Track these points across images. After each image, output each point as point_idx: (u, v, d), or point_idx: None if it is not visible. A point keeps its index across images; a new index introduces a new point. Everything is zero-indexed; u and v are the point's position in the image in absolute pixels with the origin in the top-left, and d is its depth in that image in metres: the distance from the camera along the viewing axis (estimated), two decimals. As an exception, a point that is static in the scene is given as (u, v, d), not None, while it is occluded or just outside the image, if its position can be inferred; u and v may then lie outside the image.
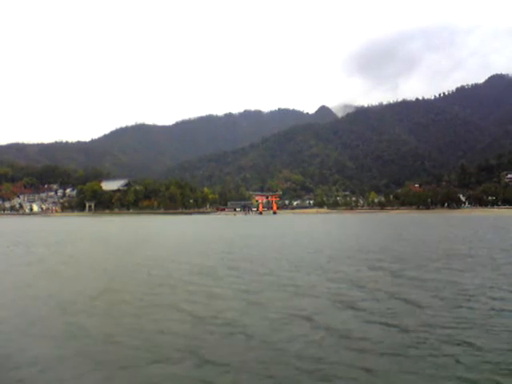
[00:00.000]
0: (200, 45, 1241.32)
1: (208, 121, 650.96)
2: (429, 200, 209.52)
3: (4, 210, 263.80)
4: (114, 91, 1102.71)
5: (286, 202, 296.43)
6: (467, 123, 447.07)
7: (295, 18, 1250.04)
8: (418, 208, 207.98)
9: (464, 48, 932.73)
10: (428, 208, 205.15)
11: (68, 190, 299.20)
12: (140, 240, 48.37)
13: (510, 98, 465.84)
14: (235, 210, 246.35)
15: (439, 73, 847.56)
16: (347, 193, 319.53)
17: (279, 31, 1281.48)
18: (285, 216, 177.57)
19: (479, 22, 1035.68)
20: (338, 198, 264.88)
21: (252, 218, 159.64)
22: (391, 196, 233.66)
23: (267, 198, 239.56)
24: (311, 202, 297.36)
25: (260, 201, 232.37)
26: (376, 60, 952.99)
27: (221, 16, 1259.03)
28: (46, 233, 67.99)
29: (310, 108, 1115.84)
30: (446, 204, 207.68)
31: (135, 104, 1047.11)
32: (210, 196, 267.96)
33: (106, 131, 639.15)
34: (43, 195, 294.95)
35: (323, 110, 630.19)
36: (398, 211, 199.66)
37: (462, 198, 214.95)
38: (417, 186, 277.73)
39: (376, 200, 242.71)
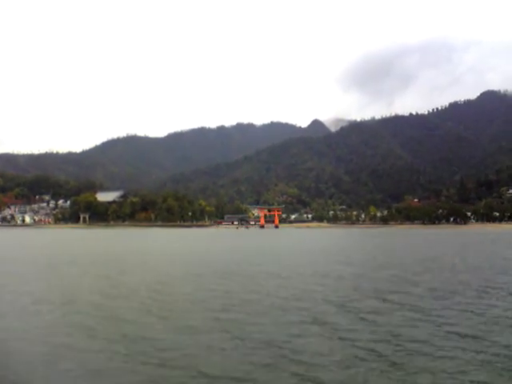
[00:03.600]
0: (193, 57, 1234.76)
1: (200, 133, 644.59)
2: (434, 215, 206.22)
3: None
4: (106, 102, 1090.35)
5: (284, 215, 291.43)
6: (460, 138, 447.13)
7: (289, 31, 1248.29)
8: (423, 223, 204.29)
9: (461, 65, 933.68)
10: (433, 223, 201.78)
11: (60, 202, 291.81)
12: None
13: (502, 113, 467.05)
14: (233, 223, 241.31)
15: (435, 89, 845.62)
16: (344, 207, 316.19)
17: (273, 45, 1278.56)
18: (290, 230, 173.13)
19: (477, 38, 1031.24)
20: (338, 213, 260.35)
21: (258, 231, 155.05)
22: (393, 210, 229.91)
23: (269, 211, 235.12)
24: (309, 215, 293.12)
25: (262, 214, 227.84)
26: (371, 75, 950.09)
27: (213, 28, 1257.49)
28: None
29: (303, 122, 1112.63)
30: (452, 219, 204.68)
31: (127, 115, 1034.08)
32: (207, 209, 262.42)
33: (98, 142, 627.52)
34: (35, 206, 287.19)
35: (316, 124, 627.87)
36: (402, 226, 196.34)
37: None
38: (416, 200, 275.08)
39: (377, 214, 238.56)
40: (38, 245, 71.54)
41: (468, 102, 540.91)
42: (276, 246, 66.84)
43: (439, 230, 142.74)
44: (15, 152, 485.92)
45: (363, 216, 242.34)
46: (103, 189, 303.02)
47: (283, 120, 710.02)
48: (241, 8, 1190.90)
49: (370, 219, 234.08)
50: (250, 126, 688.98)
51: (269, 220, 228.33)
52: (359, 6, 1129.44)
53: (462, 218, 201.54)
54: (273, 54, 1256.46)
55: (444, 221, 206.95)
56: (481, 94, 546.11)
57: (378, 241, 79.55)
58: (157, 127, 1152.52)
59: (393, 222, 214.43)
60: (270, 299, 19.73)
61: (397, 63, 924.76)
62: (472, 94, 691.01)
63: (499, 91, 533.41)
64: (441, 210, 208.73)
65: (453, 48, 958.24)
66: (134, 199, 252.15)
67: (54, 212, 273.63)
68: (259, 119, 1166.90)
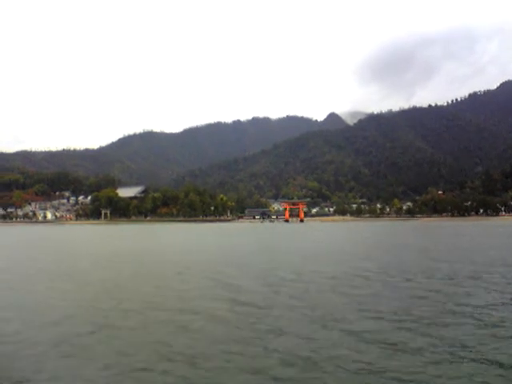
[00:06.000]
0: (208, 52, 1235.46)
1: (216, 128, 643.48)
2: (463, 207, 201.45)
3: (17, 218, 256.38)
4: (122, 98, 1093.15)
5: (304, 209, 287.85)
6: (481, 129, 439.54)
7: (306, 23, 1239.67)
8: (452, 215, 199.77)
9: (483, 55, 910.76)
10: (463, 215, 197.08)
11: (80, 198, 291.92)
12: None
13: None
14: (254, 217, 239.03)
15: (457, 80, 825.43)
16: (364, 200, 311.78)
17: (288, 37, 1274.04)
18: (317, 224, 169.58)
19: (500, 26, 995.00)
20: (363, 206, 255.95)
21: (284, 226, 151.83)
22: (419, 202, 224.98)
23: (294, 204, 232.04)
24: (330, 209, 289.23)
25: (287, 208, 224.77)
26: (390, 67, 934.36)
27: (228, 22, 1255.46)
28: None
29: (319, 115, 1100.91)
30: (482, 211, 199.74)
31: (143, 111, 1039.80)
32: (229, 203, 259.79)
33: (114, 138, 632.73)
34: (55, 203, 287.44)
35: (332, 117, 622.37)
36: (431, 219, 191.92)
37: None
38: (440, 192, 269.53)
39: (404, 207, 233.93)
40: (82, 242, 69.25)
41: (488, 93, 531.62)
42: (329, 240, 63.67)
43: (476, 222, 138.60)
44: (33, 149, 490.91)
45: (388, 209, 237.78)
46: (122, 184, 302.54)
47: (299, 114, 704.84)
48: (257, 2, 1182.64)
49: (395, 212, 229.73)
50: (266, 120, 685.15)
51: (291, 214, 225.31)
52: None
53: (493, 210, 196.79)
54: (288, 46, 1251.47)
55: (473, 213, 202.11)
56: (501, 85, 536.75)
57: (429, 234, 76.04)
58: (173, 123, 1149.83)
59: (419, 215, 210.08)
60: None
61: (418, 54, 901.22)
62: (494, 84, 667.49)
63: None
64: (470, 202, 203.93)
65: (476, 38, 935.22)
66: (156, 194, 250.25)
67: (75, 208, 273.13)
68: (275, 113, 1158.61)
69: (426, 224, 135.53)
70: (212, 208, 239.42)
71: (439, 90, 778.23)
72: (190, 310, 16.23)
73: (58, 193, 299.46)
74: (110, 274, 26.86)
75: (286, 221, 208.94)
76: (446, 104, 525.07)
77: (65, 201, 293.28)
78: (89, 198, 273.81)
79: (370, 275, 24.24)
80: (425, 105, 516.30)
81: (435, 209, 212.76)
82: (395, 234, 79.28)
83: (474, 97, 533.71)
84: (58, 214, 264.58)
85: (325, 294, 18.99)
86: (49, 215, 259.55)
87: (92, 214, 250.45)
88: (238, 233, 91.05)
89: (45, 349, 11.90)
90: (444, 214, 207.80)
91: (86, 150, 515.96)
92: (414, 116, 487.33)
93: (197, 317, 15.12)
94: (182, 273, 26.41)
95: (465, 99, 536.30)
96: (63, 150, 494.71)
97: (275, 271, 26.38)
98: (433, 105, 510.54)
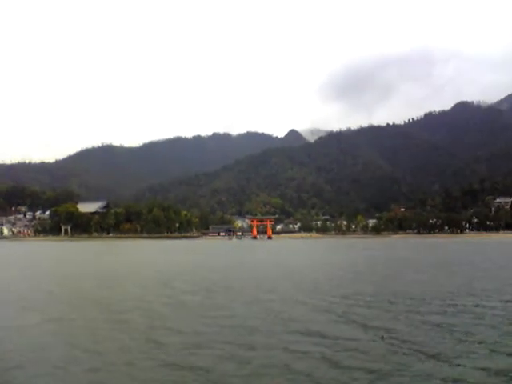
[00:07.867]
0: (168, 66, 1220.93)
1: (176, 143, 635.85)
2: (429, 224, 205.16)
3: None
4: (80, 110, 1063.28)
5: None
6: (437, 148, 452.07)
7: (268, 43, 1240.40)
8: (418, 232, 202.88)
9: (440, 77, 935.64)
10: (429, 232, 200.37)
11: (38, 213, 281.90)
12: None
13: (476, 124, 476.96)
14: (219, 234, 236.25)
15: (415, 101, 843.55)
16: (327, 217, 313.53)
17: (251, 54, 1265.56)
18: (286, 241, 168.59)
19: (457, 49, 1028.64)
20: (328, 223, 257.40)
21: (254, 243, 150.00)
22: (384, 219, 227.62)
23: (261, 221, 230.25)
24: (295, 226, 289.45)
25: (254, 224, 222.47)
26: (351, 87, 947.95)
27: (192, 38, 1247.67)
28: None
29: (279, 131, 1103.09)
30: (447, 228, 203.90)
31: (101, 124, 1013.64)
32: (193, 219, 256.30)
33: (71, 152, 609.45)
34: (11, 218, 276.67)
35: (292, 134, 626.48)
36: (398, 236, 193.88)
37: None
38: (402, 209, 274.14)
39: (367, 224, 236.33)
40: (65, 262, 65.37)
41: (443, 113, 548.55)
42: (340, 259, 61.92)
43: (447, 240, 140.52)
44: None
45: (354, 226, 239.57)
46: (82, 199, 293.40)
47: (259, 130, 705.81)
48: (219, 18, 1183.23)
49: (361, 229, 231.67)
50: (226, 135, 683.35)
51: (257, 231, 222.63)
52: (340, 18, 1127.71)
53: (458, 227, 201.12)
54: (250, 63, 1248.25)
55: (437, 230, 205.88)
56: (455, 105, 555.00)
57: (422, 253, 75.65)
58: (132, 137, 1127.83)
59: (385, 232, 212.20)
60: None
61: (377, 75, 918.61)
62: (449, 105, 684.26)
63: (472, 102, 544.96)
64: (435, 219, 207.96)
65: (433, 60, 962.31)
66: (118, 210, 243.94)
67: (33, 223, 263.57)
68: (235, 129, 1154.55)
69: (406, 241, 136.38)
70: (177, 224, 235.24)
71: (397, 109, 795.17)
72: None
73: (14, 208, 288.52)
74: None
75: (254, 238, 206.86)
76: (402, 123, 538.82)
77: (21, 216, 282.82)
78: (47, 213, 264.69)
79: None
80: (383, 123, 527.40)
81: (400, 226, 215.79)
82: (398, 250, 78.58)
83: (429, 117, 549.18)
84: (15, 230, 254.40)
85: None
86: (5, 231, 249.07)
87: (51, 229, 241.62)
88: (221, 251, 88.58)
89: None
90: (409, 230, 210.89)
91: (42, 163, 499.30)
92: (372, 134, 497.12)
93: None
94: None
95: (421, 119, 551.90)
96: (18, 162, 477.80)
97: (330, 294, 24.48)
98: (390, 123, 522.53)
